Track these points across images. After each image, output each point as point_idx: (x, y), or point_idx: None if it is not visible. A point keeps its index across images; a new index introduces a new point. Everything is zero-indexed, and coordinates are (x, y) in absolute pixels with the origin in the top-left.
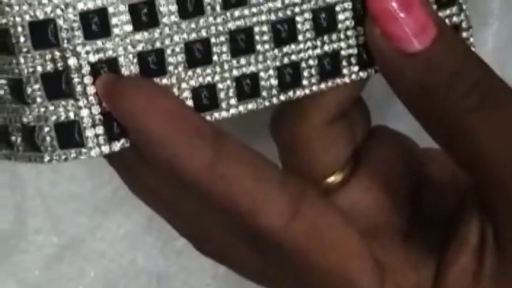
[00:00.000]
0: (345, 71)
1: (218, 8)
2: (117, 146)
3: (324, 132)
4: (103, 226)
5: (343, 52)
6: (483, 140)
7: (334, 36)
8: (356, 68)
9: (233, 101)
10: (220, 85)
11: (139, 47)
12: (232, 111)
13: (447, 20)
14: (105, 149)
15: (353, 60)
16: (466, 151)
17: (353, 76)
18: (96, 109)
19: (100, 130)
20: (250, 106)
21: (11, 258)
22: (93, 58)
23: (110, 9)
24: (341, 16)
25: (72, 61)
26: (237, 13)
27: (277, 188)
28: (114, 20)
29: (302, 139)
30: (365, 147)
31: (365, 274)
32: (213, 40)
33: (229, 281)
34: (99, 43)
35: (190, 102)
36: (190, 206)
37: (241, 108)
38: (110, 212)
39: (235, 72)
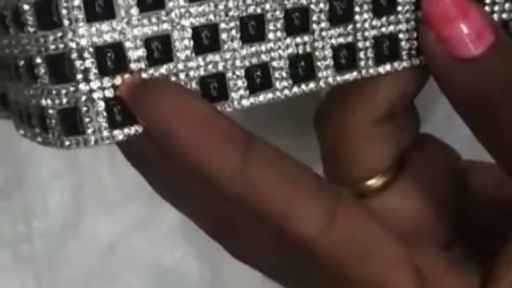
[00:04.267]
0: (404, 54)
1: None
2: (120, 135)
3: (372, 130)
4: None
5: (401, 35)
6: None
7: (392, 18)
8: (414, 52)
9: (285, 83)
10: (274, 63)
11: (147, 31)
12: (286, 92)
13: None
14: (107, 137)
15: (413, 43)
16: None
17: (413, 61)
18: (98, 95)
19: (102, 117)
20: (304, 87)
21: (67, 246)
22: (97, 40)
23: None
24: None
25: (74, 44)
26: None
27: (311, 194)
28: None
29: (348, 136)
30: (410, 154)
31: (405, 283)
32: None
33: None
34: (103, 26)
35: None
36: (218, 208)
37: (295, 89)
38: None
39: (291, 50)
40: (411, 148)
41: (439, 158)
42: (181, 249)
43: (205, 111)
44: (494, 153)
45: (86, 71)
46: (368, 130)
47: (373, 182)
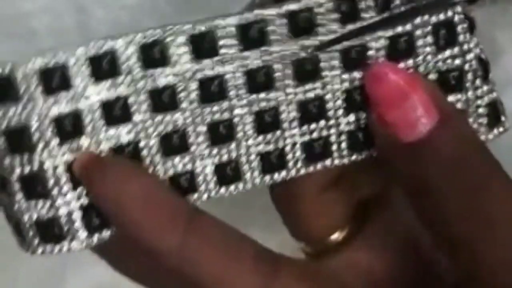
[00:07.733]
0: (335, 154)
1: (195, 103)
2: (96, 238)
3: (322, 195)
4: None
5: (332, 138)
6: (482, 253)
7: (322, 124)
8: (345, 152)
9: (212, 186)
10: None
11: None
12: (213, 194)
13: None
14: (85, 242)
15: (343, 144)
16: (466, 262)
17: (344, 159)
18: (74, 205)
19: (78, 224)
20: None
21: None
22: (69, 157)
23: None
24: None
25: (47, 164)
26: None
27: (248, 268)
28: (87, 119)
29: (299, 203)
30: (377, 203)
31: None
32: (190, 129)
33: None
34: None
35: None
36: (158, 278)
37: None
38: None
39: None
40: (379, 197)
41: (405, 209)
42: None
43: (149, 188)
44: (438, 245)
45: (60, 187)
46: (317, 195)
47: (333, 238)
